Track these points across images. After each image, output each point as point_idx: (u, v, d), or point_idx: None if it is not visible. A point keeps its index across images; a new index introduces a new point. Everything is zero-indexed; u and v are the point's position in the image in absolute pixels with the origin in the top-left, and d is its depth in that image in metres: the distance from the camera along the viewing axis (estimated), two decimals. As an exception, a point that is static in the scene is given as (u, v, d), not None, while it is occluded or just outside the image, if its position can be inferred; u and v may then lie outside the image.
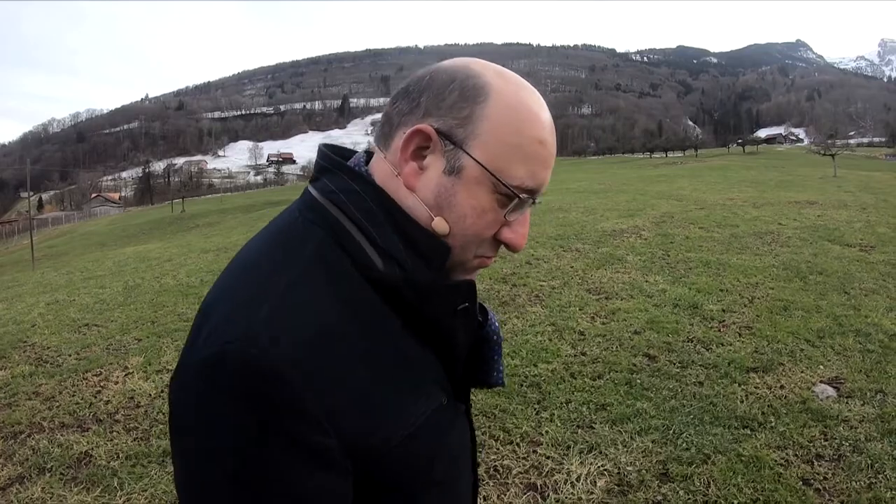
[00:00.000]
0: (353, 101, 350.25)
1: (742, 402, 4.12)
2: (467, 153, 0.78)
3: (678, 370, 4.67)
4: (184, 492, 0.72)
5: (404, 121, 0.81)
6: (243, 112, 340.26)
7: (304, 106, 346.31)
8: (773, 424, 3.80)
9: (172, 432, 0.74)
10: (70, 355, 5.75)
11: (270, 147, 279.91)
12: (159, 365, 5.28)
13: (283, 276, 0.74)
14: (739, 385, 4.40)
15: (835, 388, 4.34)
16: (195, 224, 30.71)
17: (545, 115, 0.82)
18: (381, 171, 0.83)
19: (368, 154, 0.89)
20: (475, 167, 0.78)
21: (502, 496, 3.18)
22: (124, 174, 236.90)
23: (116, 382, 4.96)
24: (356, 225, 0.78)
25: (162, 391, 4.72)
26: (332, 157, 0.87)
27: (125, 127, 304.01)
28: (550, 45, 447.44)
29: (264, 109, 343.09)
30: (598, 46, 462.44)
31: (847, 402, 4.08)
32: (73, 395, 4.75)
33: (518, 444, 3.66)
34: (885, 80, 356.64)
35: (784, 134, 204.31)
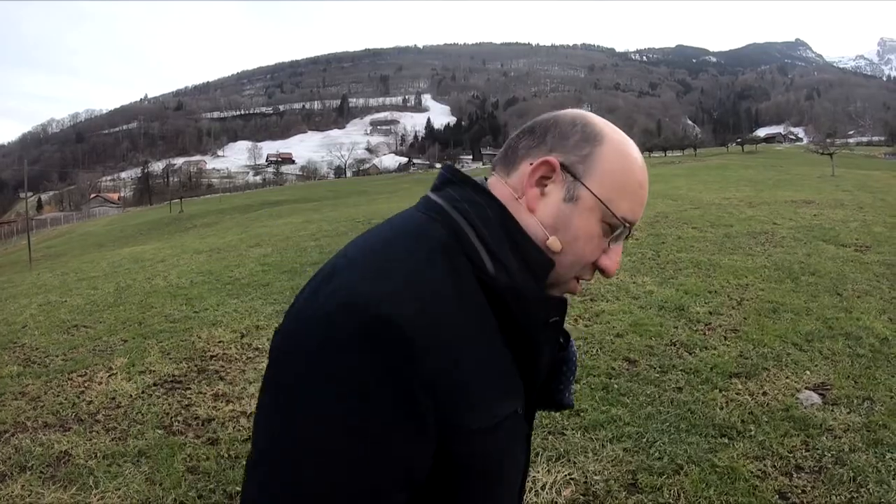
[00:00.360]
0: (352, 101, 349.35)
1: (721, 409, 4.07)
2: (585, 185, 0.92)
3: (658, 375, 4.65)
4: (281, 432, 0.77)
5: (531, 153, 0.95)
6: (242, 112, 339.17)
7: (304, 106, 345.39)
8: (752, 433, 3.74)
9: (274, 378, 0.81)
10: (57, 356, 5.82)
11: (269, 147, 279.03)
12: (142, 366, 5.33)
13: (412, 257, 0.84)
14: (720, 391, 4.34)
15: (820, 394, 4.25)
16: (192, 224, 30.74)
17: (644, 164, 0.98)
18: (502, 192, 0.95)
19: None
20: (591, 198, 0.92)
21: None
22: (123, 174, 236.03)
23: (100, 383, 5.03)
24: (475, 230, 0.89)
25: (143, 392, 4.79)
26: (459, 172, 0.98)
27: (124, 127, 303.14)
28: (549, 44, 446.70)
29: (263, 109, 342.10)
30: (598, 46, 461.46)
31: (832, 410, 3.99)
32: (58, 396, 4.82)
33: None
34: (885, 79, 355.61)
35: (783, 133, 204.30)
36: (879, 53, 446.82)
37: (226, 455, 3.76)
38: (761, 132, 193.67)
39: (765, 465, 3.38)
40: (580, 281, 0.99)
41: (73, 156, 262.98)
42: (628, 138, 0.97)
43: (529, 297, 0.89)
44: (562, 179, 0.92)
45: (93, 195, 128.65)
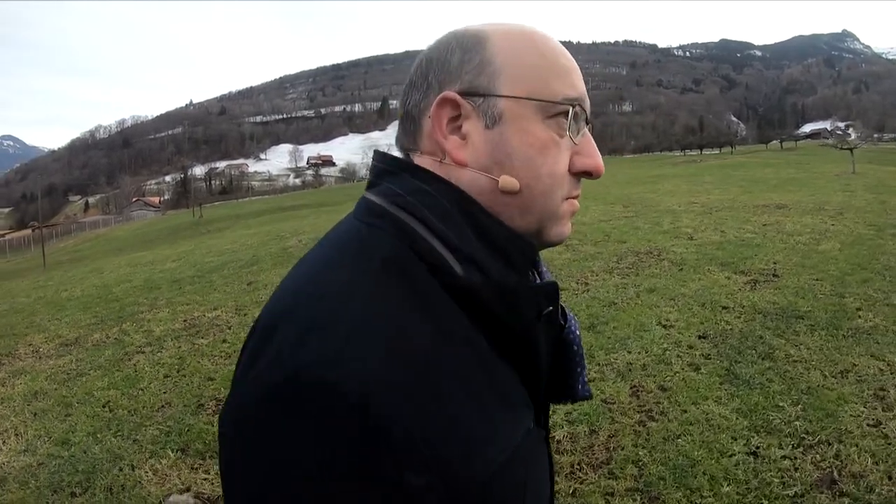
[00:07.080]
0: (393, 103, 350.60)
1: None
2: (498, 95, 0.72)
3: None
4: None
5: (424, 106, 0.75)
6: (284, 116, 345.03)
7: (345, 108, 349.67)
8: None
9: (226, 478, 0.63)
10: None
11: (311, 150, 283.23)
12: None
13: (355, 291, 0.64)
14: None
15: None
16: (206, 230, 31.05)
17: (546, 34, 0.77)
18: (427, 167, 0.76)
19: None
20: (513, 103, 0.72)
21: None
22: (167, 178, 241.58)
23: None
24: (428, 228, 0.70)
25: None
26: (394, 158, 0.79)
27: (169, 132, 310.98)
28: (591, 41, 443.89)
29: (305, 113, 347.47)
30: (640, 42, 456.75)
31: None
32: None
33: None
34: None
35: (829, 129, 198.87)
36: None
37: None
38: (807, 128, 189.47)
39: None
40: (573, 200, 0.78)
41: (119, 160, 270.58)
42: (515, 23, 0.78)
43: (514, 294, 0.71)
44: (472, 108, 0.73)
45: (134, 199, 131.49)
